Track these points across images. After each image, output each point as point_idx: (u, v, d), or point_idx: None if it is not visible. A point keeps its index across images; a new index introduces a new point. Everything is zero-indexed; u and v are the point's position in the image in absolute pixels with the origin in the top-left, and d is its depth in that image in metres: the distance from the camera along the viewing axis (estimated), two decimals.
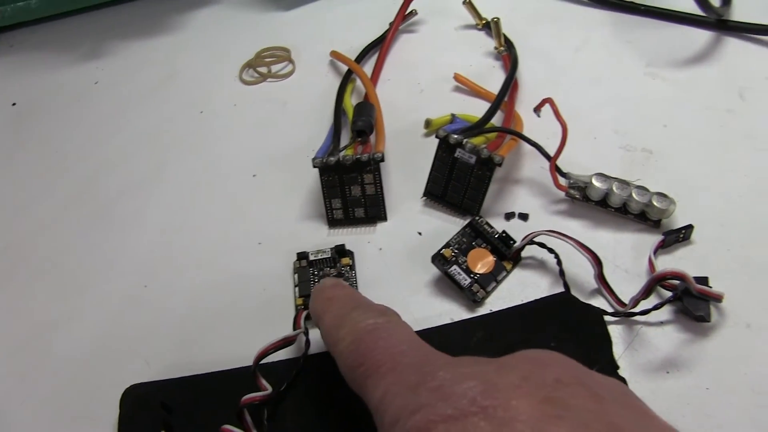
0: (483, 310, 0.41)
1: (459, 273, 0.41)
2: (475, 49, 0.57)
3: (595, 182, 0.43)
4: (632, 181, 0.43)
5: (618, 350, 0.38)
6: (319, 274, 0.43)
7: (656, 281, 0.37)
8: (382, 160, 0.44)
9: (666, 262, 0.41)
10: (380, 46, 0.57)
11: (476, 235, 0.43)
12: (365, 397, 0.28)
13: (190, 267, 0.46)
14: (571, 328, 0.38)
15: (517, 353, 0.26)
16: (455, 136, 0.43)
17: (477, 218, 0.43)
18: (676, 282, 0.38)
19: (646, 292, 0.37)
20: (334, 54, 0.57)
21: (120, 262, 0.47)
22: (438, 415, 0.23)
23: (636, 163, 0.47)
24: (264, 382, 0.37)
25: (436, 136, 0.44)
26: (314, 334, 0.41)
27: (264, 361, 0.38)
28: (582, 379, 0.24)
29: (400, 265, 0.44)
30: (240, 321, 0.42)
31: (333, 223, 0.47)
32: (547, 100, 0.44)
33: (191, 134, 0.55)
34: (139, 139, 0.55)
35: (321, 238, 0.46)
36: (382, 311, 0.32)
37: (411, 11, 0.59)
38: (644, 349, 0.38)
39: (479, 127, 0.46)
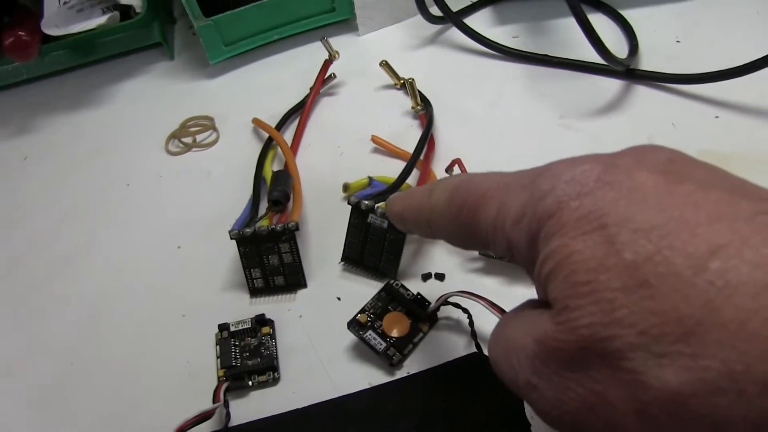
0: (401, 373, 0.41)
1: (374, 338, 0.41)
2: (394, 108, 0.58)
3: None
4: None
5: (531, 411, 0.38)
6: (240, 344, 0.43)
7: None
8: (297, 229, 0.44)
9: None
10: (301, 110, 0.58)
11: (391, 298, 0.43)
12: (477, 230, 0.27)
13: (117, 343, 0.46)
14: (484, 387, 0.39)
15: (623, 149, 0.25)
16: (366, 202, 0.44)
17: (391, 281, 0.43)
18: None
19: None
20: (256, 121, 0.57)
21: (46, 340, 0.47)
22: (567, 194, 0.23)
23: None
24: None
25: (348, 203, 0.45)
26: (235, 407, 0.41)
27: None
28: (691, 159, 0.24)
29: (319, 331, 0.44)
30: (166, 395, 0.42)
31: (254, 292, 0.47)
32: (456, 161, 0.46)
33: (118, 208, 0.55)
34: (67, 215, 0.55)
35: (243, 308, 0.46)
36: None
37: (330, 75, 0.60)
38: None
39: (393, 190, 0.47)
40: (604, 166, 0.23)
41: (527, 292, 0.43)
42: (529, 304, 0.27)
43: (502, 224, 0.26)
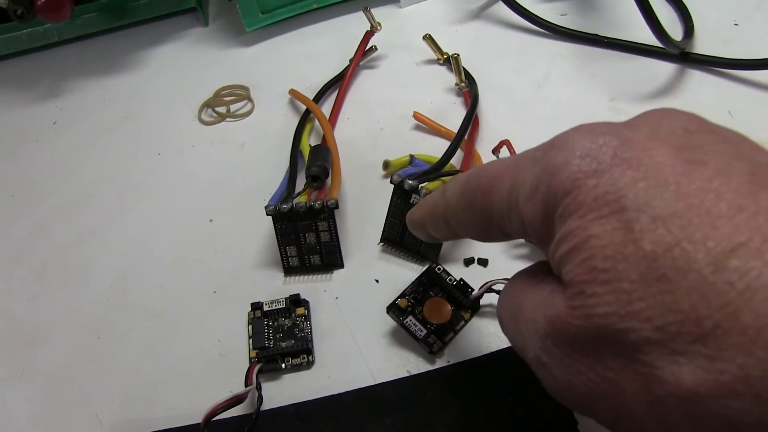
0: (441, 362, 0.40)
1: (415, 324, 0.40)
2: (437, 85, 0.56)
3: None
4: None
5: None
6: (274, 324, 0.42)
7: None
8: (336, 207, 0.43)
9: None
10: (340, 83, 0.56)
11: (433, 283, 0.42)
12: (493, 213, 0.27)
13: (144, 317, 0.44)
14: (528, 382, 0.37)
15: (638, 115, 0.24)
16: (410, 182, 0.42)
17: (433, 266, 0.42)
18: None
19: None
20: (293, 93, 0.55)
21: (73, 312, 0.45)
22: (582, 171, 0.22)
23: None
24: None
25: (391, 182, 0.43)
26: (267, 390, 0.40)
27: (215, 418, 0.37)
28: (708, 126, 0.23)
29: (356, 314, 0.43)
30: (194, 374, 0.41)
31: (289, 271, 0.45)
32: (505, 142, 0.44)
33: (149, 177, 0.54)
34: (96, 182, 0.54)
35: (277, 287, 0.45)
36: None
37: (371, 47, 0.58)
38: None
39: (437, 170, 0.45)
40: (619, 140, 0.22)
41: None
42: (541, 268, 0.27)
43: (515, 200, 0.25)
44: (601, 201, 0.21)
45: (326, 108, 0.55)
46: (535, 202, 0.24)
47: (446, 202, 0.30)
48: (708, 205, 0.20)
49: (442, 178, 0.44)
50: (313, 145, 0.49)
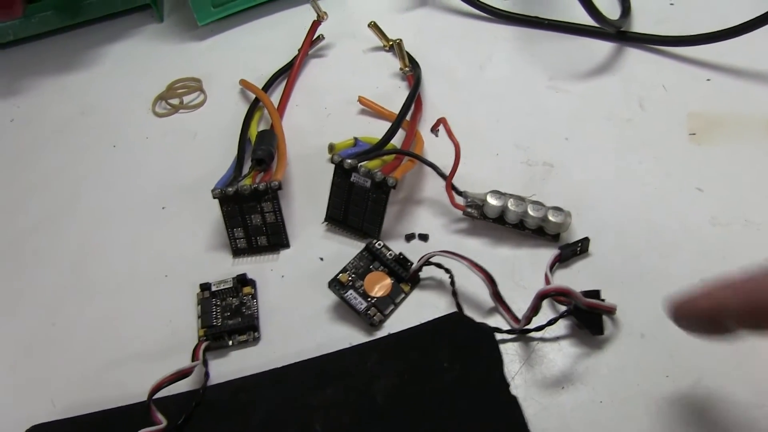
0: (381, 333, 0.41)
1: (355, 297, 0.41)
2: (382, 70, 0.57)
3: (490, 200, 0.43)
4: (528, 197, 0.44)
5: (514, 368, 0.38)
6: (222, 304, 0.43)
7: (540, 298, 0.37)
8: (280, 188, 0.44)
9: (563, 276, 0.42)
10: (289, 72, 0.57)
11: (373, 258, 0.43)
12: None
13: (99, 302, 0.46)
14: (463, 347, 0.38)
15: None
16: (349, 161, 0.43)
17: (373, 241, 0.43)
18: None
19: (533, 310, 0.38)
20: (243, 83, 0.57)
21: (28, 300, 0.47)
22: None
23: (537, 178, 0.47)
24: (159, 416, 0.37)
25: (332, 161, 0.44)
26: (216, 366, 0.41)
27: (163, 394, 0.38)
28: None
29: (301, 291, 0.44)
30: (146, 355, 0.42)
31: (237, 252, 0.46)
32: (441, 120, 0.45)
33: (104, 169, 0.55)
34: (52, 176, 0.55)
35: (226, 268, 0.46)
36: None
37: (318, 36, 0.59)
38: (540, 365, 0.38)
39: (378, 149, 0.46)
40: None
41: (510, 253, 0.43)
42: None
43: None
44: None
45: (276, 96, 0.56)
46: None
47: None
48: None
49: (382, 157, 0.45)
50: (259, 130, 0.50)
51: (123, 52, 0.65)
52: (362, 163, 0.44)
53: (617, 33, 0.54)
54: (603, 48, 0.55)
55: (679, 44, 0.53)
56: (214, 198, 0.44)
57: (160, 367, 0.40)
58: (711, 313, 0.29)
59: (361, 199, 0.44)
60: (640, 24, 0.56)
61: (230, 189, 0.44)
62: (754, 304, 0.27)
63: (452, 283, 0.41)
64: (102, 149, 0.56)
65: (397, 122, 0.48)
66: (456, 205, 0.44)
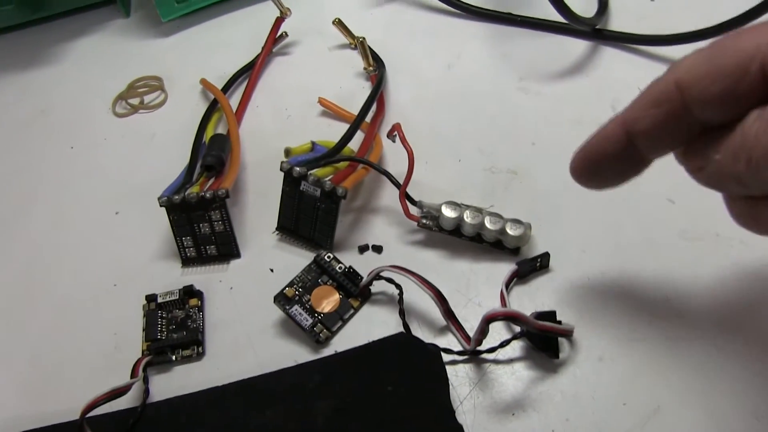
0: (329, 351, 0.39)
1: (300, 314, 0.39)
2: (347, 69, 0.55)
3: (445, 211, 0.41)
4: (487, 207, 0.41)
5: (463, 392, 0.36)
6: (168, 316, 0.41)
7: (487, 322, 0.34)
8: (227, 197, 0.42)
9: (521, 293, 0.40)
10: (250, 71, 0.55)
11: (322, 271, 0.41)
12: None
13: (45, 310, 0.44)
14: (409, 370, 0.37)
15: None
16: (298, 169, 0.41)
17: (322, 254, 0.41)
18: None
19: (481, 333, 0.35)
20: (204, 82, 0.55)
21: None
22: None
23: (498, 186, 0.45)
24: None
25: (281, 169, 0.42)
26: (157, 382, 0.39)
27: (103, 411, 0.37)
28: None
29: (249, 304, 0.42)
30: (89, 367, 0.41)
31: (186, 262, 0.45)
32: (396, 126, 0.43)
33: (60, 170, 0.53)
34: (6, 177, 0.53)
35: (175, 278, 0.44)
36: None
37: (281, 33, 0.57)
38: (491, 389, 0.36)
39: (330, 155, 0.44)
40: None
41: (467, 267, 0.41)
42: None
43: None
44: None
45: (237, 96, 0.54)
46: None
47: (679, 79, 0.26)
48: None
49: (334, 164, 0.43)
50: (213, 135, 0.48)
51: (86, 49, 0.63)
52: (312, 171, 0.42)
53: (593, 31, 0.52)
54: (578, 46, 0.53)
55: (657, 43, 0.50)
56: (161, 206, 0.43)
57: (102, 381, 0.38)
58: (623, 137, 0.28)
59: (311, 208, 0.42)
60: (618, 21, 0.54)
61: (177, 197, 0.42)
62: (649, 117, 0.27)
63: (400, 300, 0.39)
64: (59, 150, 0.54)
65: (354, 125, 0.45)
66: (410, 216, 0.42)
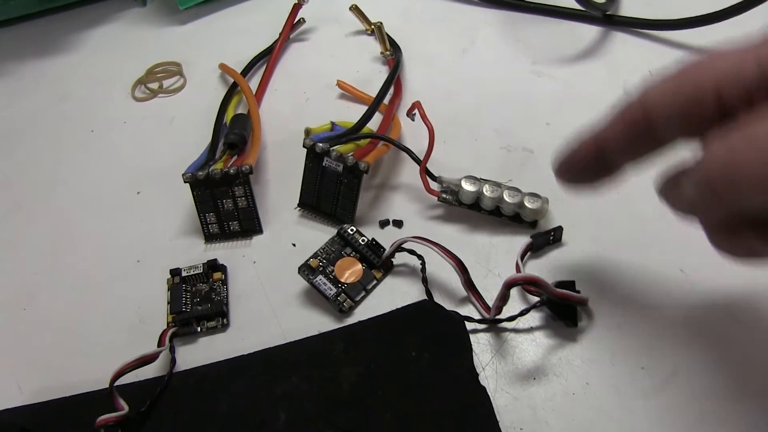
0: (352, 320, 0.40)
1: (324, 283, 0.40)
2: (363, 54, 0.56)
3: (465, 185, 0.42)
4: (504, 182, 0.43)
5: (485, 358, 0.37)
6: (192, 290, 0.42)
7: (508, 287, 0.35)
8: (251, 172, 0.43)
9: (537, 266, 0.41)
10: (269, 56, 0.56)
11: (345, 243, 0.42)
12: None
13: (70, 288, 0.45)
14: (432, 336, 0.37)
15: None
16: (321, 145, 0.42)
17: (345, 227, 0.42)
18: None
19: (502, 299, 0.36)
20: (223, 67, 0.56)
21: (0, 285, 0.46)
22: None
23: (515, 164, 0.46)
24: (121, 402, 0.36)
25: (303, 146, 0.43)
26: (183, 353, 0.40)
27: (130, 380, 0.38)
28: None
29: (272, 277, 0.43)
30: (114, 341, 0.41)
31: (209, 238, 0.46)
32: (416, 104, 0.44)
33: (81, 154, 0.54)
34: (28, 161, 0.54)
35: (198, 254, 0.45)
36: None
37: (299, 19, 0.58)
38: (511, 355, 0.37)
39: (352, 133, 0.45)
40: None
41: (486, 240, 0.42)
42: None
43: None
44: None
45: (255, 81, 0.55)
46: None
47: (645, 100, 0.28)
48: None
49: (355, 141, 0.44)
50: (234, 114, 0.49)
51: (104, 37, 0.64)
52: (335, 147, 0.43)
53: (603, 16, 0.53)
54: (589, 32, 0.54)
55: (667, 28, 0.52)
56: (185, 182, 0.44)
57: (128, 353, 0.39)
58: (595, 148, 0.31)
59: (333, 184, 0.43)
60: (629, 6, 0.55)
61: (201, 173, 0.43)
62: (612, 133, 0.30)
63: (423, 269, 0.40)
64: (80, 134, 0.55)
65: (374, 106, 0.47)
66: (430, 191, 0.43)
